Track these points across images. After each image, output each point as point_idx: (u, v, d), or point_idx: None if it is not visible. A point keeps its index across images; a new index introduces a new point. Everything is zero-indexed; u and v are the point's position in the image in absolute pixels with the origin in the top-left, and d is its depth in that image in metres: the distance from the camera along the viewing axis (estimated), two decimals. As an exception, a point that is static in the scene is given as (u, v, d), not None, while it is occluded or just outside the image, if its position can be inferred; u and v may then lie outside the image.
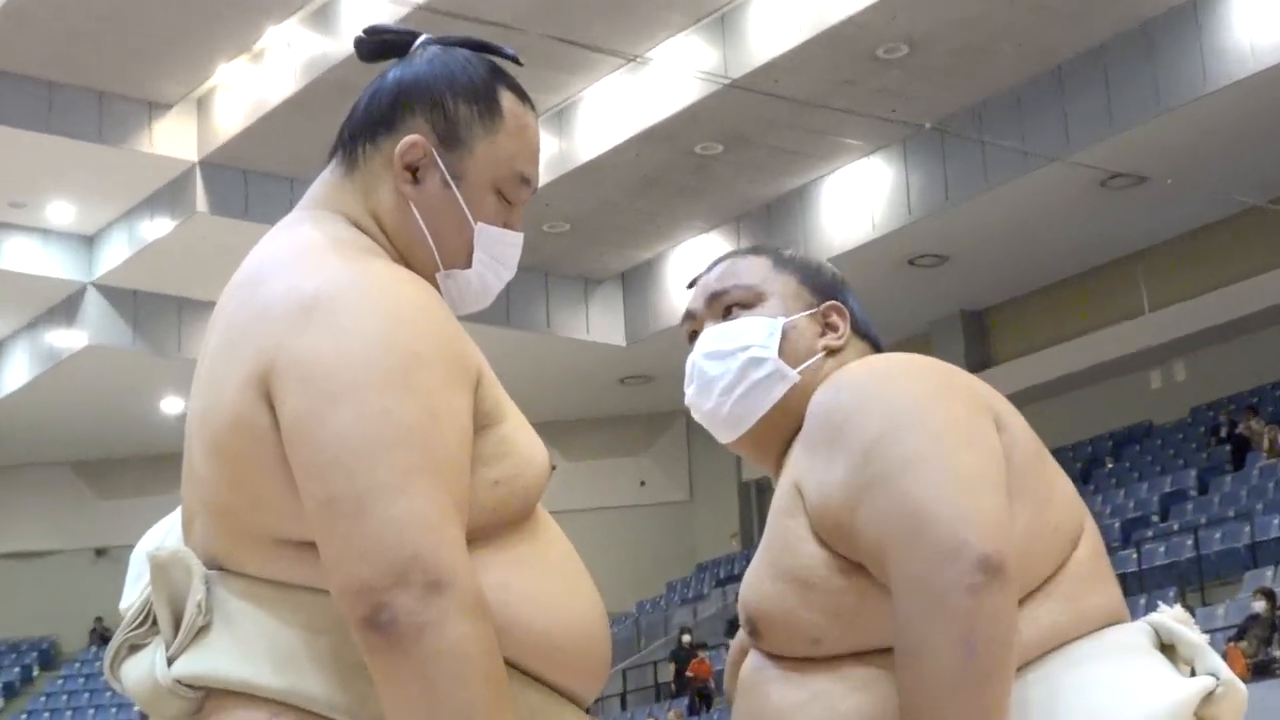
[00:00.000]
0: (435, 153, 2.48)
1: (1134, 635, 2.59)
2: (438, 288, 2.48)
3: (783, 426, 2.76)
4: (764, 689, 2.62)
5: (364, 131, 2.51)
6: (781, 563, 2.59)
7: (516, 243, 2.57)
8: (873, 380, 2.62)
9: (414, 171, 2.48)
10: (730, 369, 2.81)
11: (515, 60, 2.59)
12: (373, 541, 2.13)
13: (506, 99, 2.54)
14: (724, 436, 2.86)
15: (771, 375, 2.79)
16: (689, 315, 2.95)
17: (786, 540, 2.60)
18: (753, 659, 2.68)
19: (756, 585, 2.64)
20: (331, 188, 2.52)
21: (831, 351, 2.81)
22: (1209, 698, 2.52)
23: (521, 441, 2.40)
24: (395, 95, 2.50)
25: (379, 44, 2.59)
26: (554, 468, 2.48)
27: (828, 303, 2.85)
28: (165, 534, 2.47)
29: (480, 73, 2.54)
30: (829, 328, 2.84)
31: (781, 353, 2.79)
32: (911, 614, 2.38)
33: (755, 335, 2.81)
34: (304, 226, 2.46)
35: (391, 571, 2.11)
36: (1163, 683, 2.51)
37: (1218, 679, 2.53)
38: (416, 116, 2.48)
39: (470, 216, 2.50)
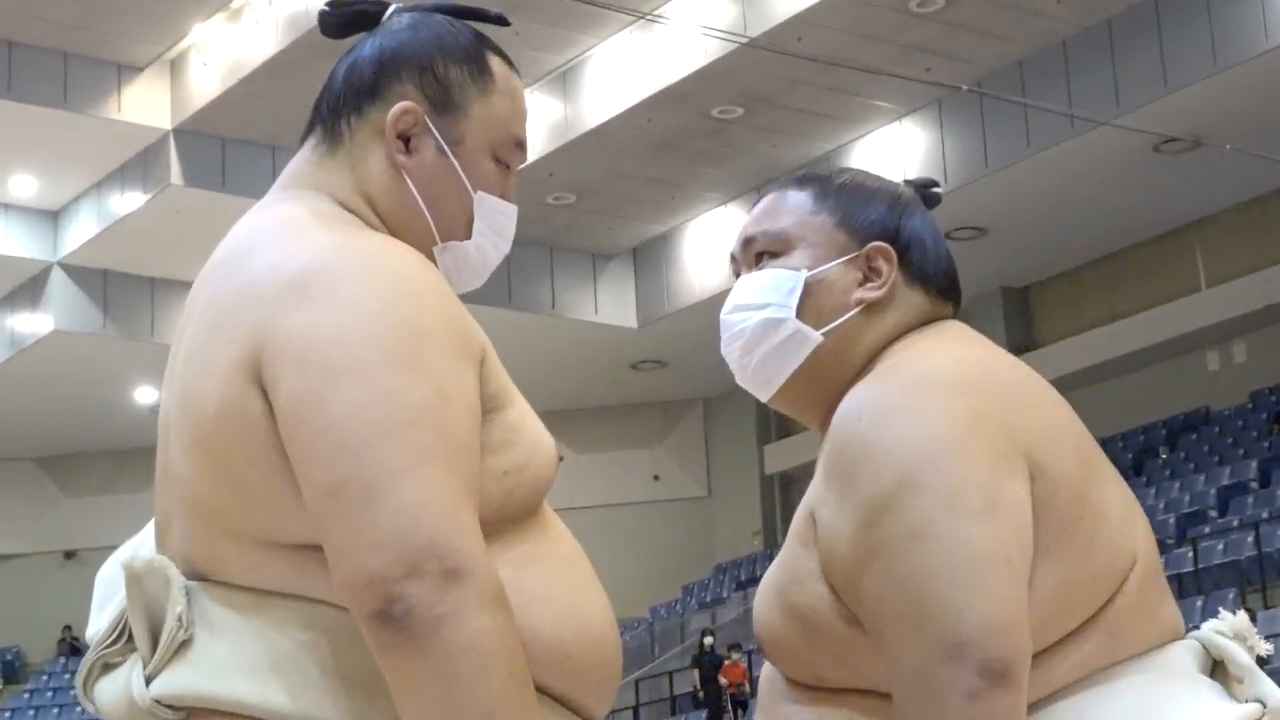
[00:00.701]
0: (428, 119, 2.49)
1: (1179, 655, 2.57)
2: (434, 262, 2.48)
3: (818, 387, 2.72)
4: (777, 709, 2.65)
5: (347, 103, 2.51)
6: (790, 595, 2.60)
7: (513, 214, 2.58)
8: (889, 411, 2.53)
9: (406, 140, 2.49)
10: (750, 326, 2.76)
11: (502, 21, 2.61)
12: (384, 530, 2.12)
13: (494, 61, 2.56)
14: (759, 395, 2.84)
15: (792, 337, 2.73)
16: (732, 258, 2.89)
17: (797, 572, 2.60)
18: (768, 673, 2.70)
19: (766, 610, 2.65)
20: (312, 166, 2.52)
21: (870, 306, 2.72)
22: None
23: (529, 429, 2.40)
24: (379, 63, 2.51)
25: (349, 15, 2.58)
26: (562, 459, 2.47)
27: (871, 244, 2.75)
28: (136, 549, 2.44)
29: (466, 34, 2.56)
30: (873, 273, 2.74)
31: (804, 310, 2.72)
32: (907, 709, 2.38)
33: (775, 291, 2.75)
34: (284, 205, 2.46)
35: (405, 561, 2.10)
36: (1200, 709, 2.50)
37: (1264, 705, 2.52)
38: (405, 83, 2.50)
39: (469, 185, 2.51)
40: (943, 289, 2.79)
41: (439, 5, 2.60)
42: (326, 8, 2.59)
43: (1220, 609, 2.71)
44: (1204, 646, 2.60)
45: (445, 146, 2.49)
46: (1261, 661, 2.63)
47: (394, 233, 2.46)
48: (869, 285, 2.74)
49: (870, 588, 2.44)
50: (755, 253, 2.81)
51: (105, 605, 2.42)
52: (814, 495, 2.60)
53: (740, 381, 2.84)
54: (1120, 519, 2.60)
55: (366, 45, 2.54)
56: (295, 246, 2.34)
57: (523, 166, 2.61)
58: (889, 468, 2.47)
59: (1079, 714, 2.49)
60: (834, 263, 2.74)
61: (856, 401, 2.58)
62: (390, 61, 2.51)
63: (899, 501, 2.44)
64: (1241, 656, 2.57)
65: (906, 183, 2.90)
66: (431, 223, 2.50)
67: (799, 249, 2.77)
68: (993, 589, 2.37)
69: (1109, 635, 2.53)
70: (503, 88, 2.55)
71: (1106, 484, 2.62)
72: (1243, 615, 2.63)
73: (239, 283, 2.33)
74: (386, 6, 2.58)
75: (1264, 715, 2.51)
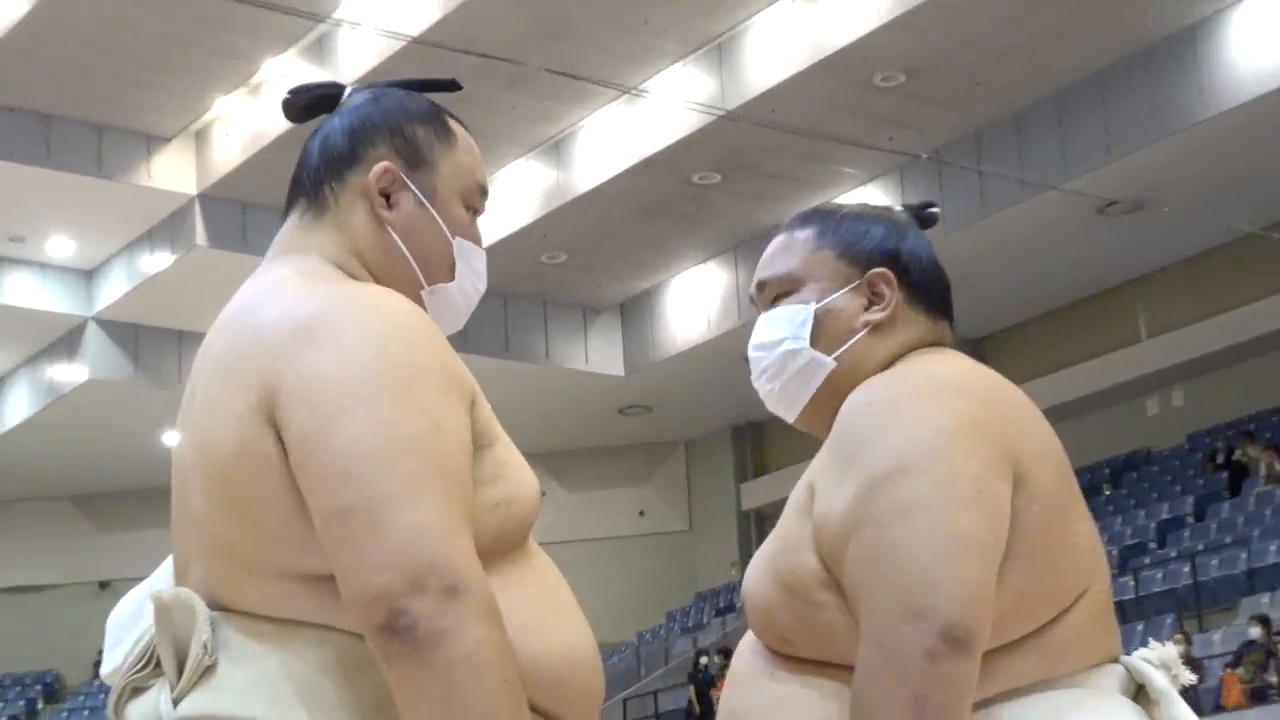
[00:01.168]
0: (404, 176, 2.53)
1: (1104, 679, 2.58)
2: (422, 307, 2.50)
3: (836, 405, 2.72)
4: (744, 682, 2.66)
5: (327, 173, 2.55)
6: (779, 561, 2.62)
7: (484, 257, 2.62)
8: (899, 402, 2.58)
9: (387, 197, 2.52)
10: (771, 360, 2.83)
11: (453, 86, 2.68)
12: (389, 550, 2.14)
13: (451, 121, 2.62)
14: (785, 418, 2.90)
15: (809, 365, 2.79)
16: (751, 299, 2.96)
17: (789, 540, 2.62)
18: (745, 643, 2.72)
19: (754, 575, 2.67)
20: (301, 233, 2.55)
21: (876, 327, 2.77)
22: None
23: (515, 464, 2.42)
24: (351, 133, 2.55)
25: (310, 100, 2.63)
26: (544, 493, 2.49)
27: (872, 271, 2.79)
28: (144, 598, 2.43)
29: (424, 101, 2.62)
30: (876, 297, 2.78)
31: (817, 338, 2.78)
32: (870, 665, 2.40)
33: (788, 326, 2.81)
34: (281, 269, 2.48)
35: (409, 578, 2.12)
36: None
37: None
38: (379, 146, 2.54)
39: (448, 231, 2.55)
40: (940, 307, 2.84)
41: (390, 82, 2.65)
42: (289, 95, 2.63)
43: (1151, 639, 2.72)
44: (1129, 671, 2.61)
45: (423, 199, 2.53)
46: (1184, 691, 2.63)
47: (383, 283, 2.49)
48: (874, 308, 2.79)
49: (855, 552, 2.46)
50: (770, 295, 2.86)
51: (118, 645, 2.43)
52: (815, 471, 2.64)
53: (769, 407, 2.91)
54: (1086, 551, 2.61)
55: (335, 121, 2.59)
56: (298, 299, 2.36)
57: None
58: (891, 450, 2.51)
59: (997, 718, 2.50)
60: (839, 293, 2.80)
61: (868, 392, 2.64)
62: (362, 130, 2.55)
63: (895, 480, 2.47)
64: (1160, 681, 2.58)
65: (904, 207, 2.95)
66: (417, 268, 2.53)
67: (808, 285, 2.82)
68: (968, 568, 2.40)
69: (1044, 657, 2.54)
70: (463, 144, 2.60)
71: (1080, 516, 2.63)
72: (1170, 646, 2.66)
73: (248, 335, 2.36)
74: (343, 89, 2.63)
75: None
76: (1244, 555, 20.90)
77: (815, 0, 21.77)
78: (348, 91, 2.63)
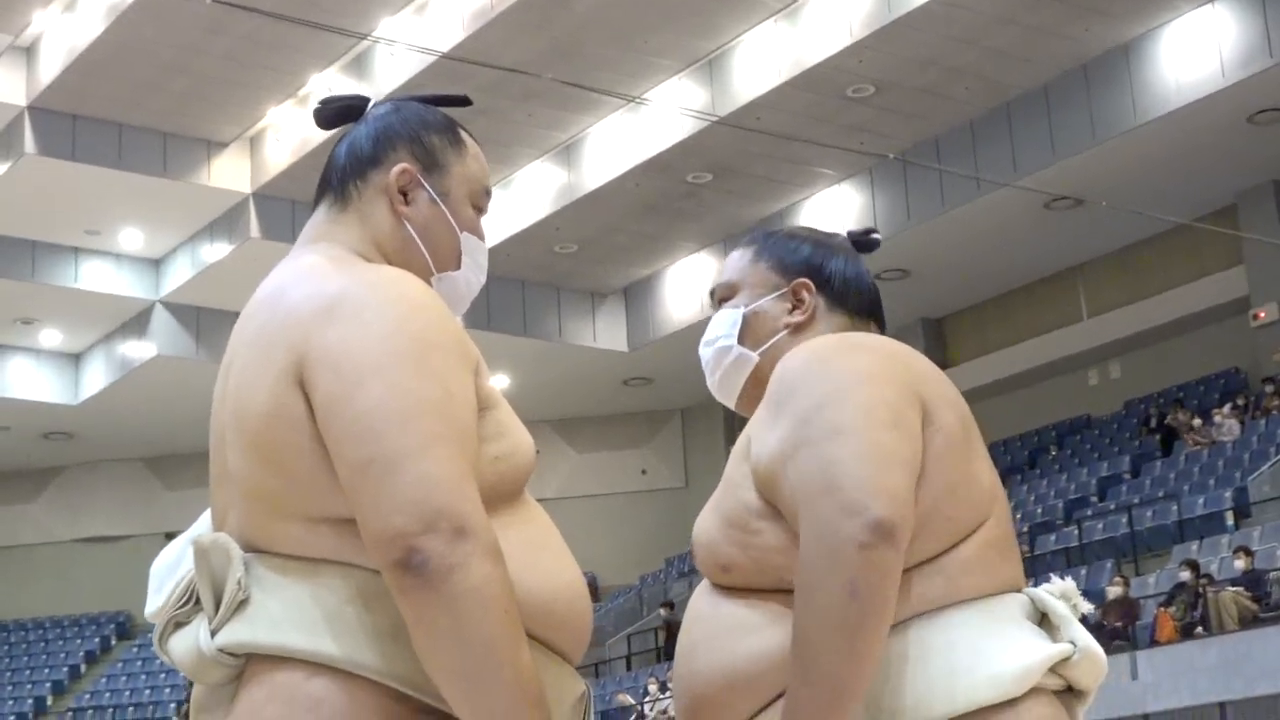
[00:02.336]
0: (420, 177, 2.55)
1: (1008, 605, 2.59)
2: None
3: (761, 390, 2.76)
4: (694, 621, 2.68)
5: (352, 172, 2.57)
6: (723, 503, 2.66)
7: (486, 251, 2.65)
8: (824, 354, 2.63)
9: (405, 194, 2.54)
10: (710, 355, 2.92)
11: (465, 102, 2.70)
12: (405, 496, 2.16)
13: (462, 133, 2.63)
14: (726, 404, 2.96)
15: (738, 359, 2.88)
16: (711, 303, 3.03)
17: (730, 482, 2.66)
18: (696, 591, 2.73)
19: (702, 515, 2.71)
20: (328, 224, 2.56)
21: (797, 327, 2.84)
22: (1066, 662, 2.54)
23: (513, 425, 2.44)
24: (375, 139, 2.57)
25: (339, 109, 2.64)
26: (538, 451, 2.52)
27: (796, 280, 2.87)
28: (184, 546, 2.44)
29: (439, 113, 2.64)
30: (798, 302, 2.86)
31: (745, 337, 2.87)
32: (810, 557, 2.41)
33: (723, 326, 2.90)
34: (309, 255, 2.50)
35: (422, 520, 2.15)
36: (1017, 646, 2.52)
37: (1075, 646, 2.55)
38: (399, 150, 2.56)
39: (456, 226, 2.57)
40: (862, 312, 2.89)
41: (410, 96, 2.67)
42: (319, 105, 2.65)
43: (1054, 577, 2.72)
44: (1032, 601, 2.63)
45: (436, 197, 2.55)
46: (1084, 620, 2.65)
47: (399, 268, 2.50)
48: (795, 312, 2.86)
49: (795, 470, 2.50)
50: (718, 299, 2.96)
51: (160, 590, 2.43)
52: (752, 424, 2.68)
53: (715, 397, 2.98)
54: (986, 488, 2.63)
55: (360, 129, 2.61)
56: (324, 280, 2.38)
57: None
58: (820, 388, 2.56)
59: (918, 642, 2.50)
60: (767, 298, 2.88)
61: (794, 351, 2.70)
62: (384, 136, 2.57)
63: (825, 409, 2.52)
64: (1060, 608, 2.61)
65: (849, 233, 3.01)
66: (428, 257, 2.55)
67: (743, 291, 2.92)
68: (893, 476, 2.45)
69: (949, 580, 2.54)
70: (473, 152, 2.62)
71: (981, 458, 2.67)
72: (1070, 581, 2.68)
73: (280, 312, 2.38)
74: (368, 100, 2.65)
75: (1074, 653, 2.55)
76: (1175, 508, 20.89)
77: (795, 22, 21.77)
78: (371, 103, 2.65)
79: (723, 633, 2.60)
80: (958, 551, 2.56)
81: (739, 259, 2.95)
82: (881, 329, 2.89)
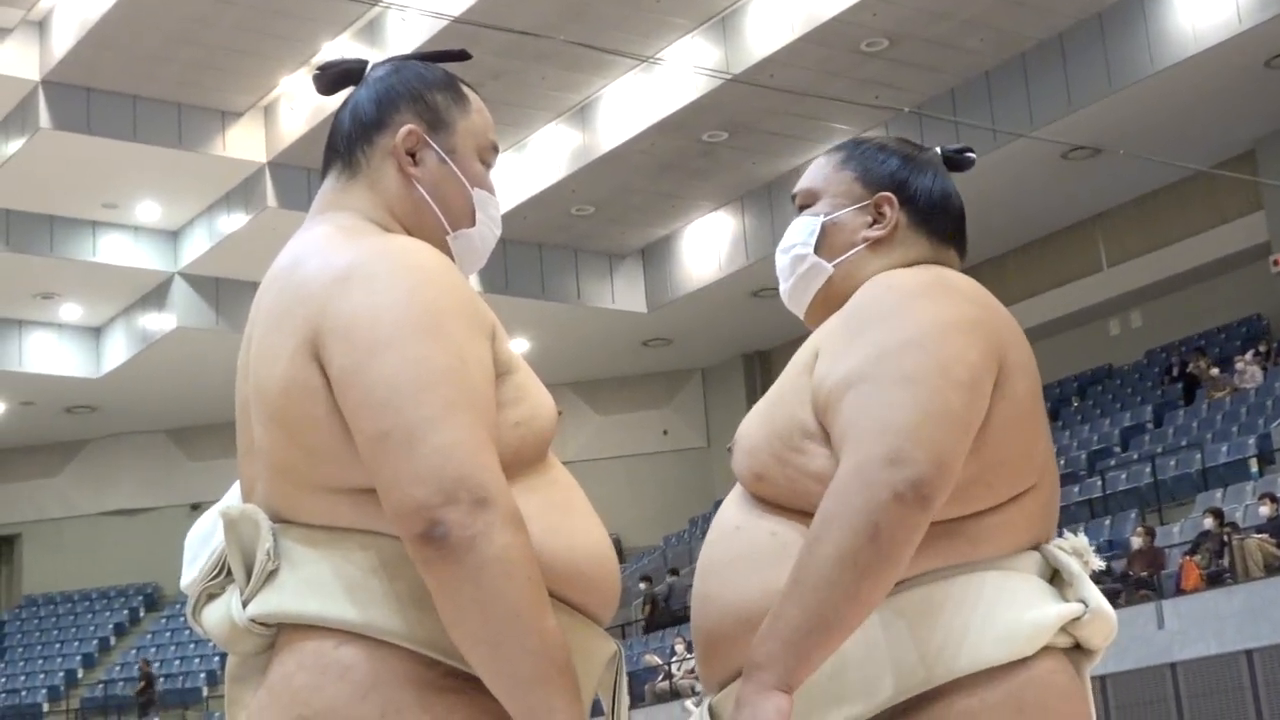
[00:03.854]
0: (427, 137, 2.53)
1: (1022, 563, 2.57)
2: (448, 253, 2.52)
3: (834, 306, 2.73)
4: (718, 539, 2.65)
5: (358, 137, 2.55)
6: (774, 411, 2.63)
7: (498, 204, 2.63)
8: (915, 291, 2.59)
9: (413, 156, 2.53)
10: (785, 263, 2.85)
11: (464, 56, 2.66)
12: (424, 467, 2.16)
13: (464, 88, 2.61)
14: (796, 313, 2.90)
15: (811, 269, 2.80)
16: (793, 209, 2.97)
17: (785, 393, 2.63)
18: (726, 502, 2.70)
19: (751, 415, 2.69)
20: (337, 193, 2.55)
21: (876, 243, 2.77)
22: (1077, 621, 2.53)
23: (533, 389, 2.42)
24: (377, 102, 2.56)
25: (338, 74, 2.63)
26: (560, 413, 2.50)
27: (879, 194, 2.78)
28: (216, 518, 2.45)
29: (439, 70, 2.62)
30: (879, 216, 2.78)
31: (822, 247, 2.79)
32: (842, 488, 2.38)
33: (800, 234, 2.82)
34: (321, 225, 2.49)
35: (442, 491, 2.14)
36: (1029, 606, 2.51)
37: (1086, 606, 2.53)
38: (403, 112, 2.54)
39: (467, 182, 2.55)
40: (945, 235, 2.83)
41: (407, 55, 2.65)
42: (318, 71, 2.63)
43: (1066, 532, 2.71)
44: (1044, 557, 2.60)
45: (444, 156, 2.54)
46: (1095, 576, 2.62)
47: (411, 232, 2.50)
48: (875, 226, 2.78)
49: (854, 400, 2.46)
50: (798, 205, 2.87)
51: (194, 561, 2.45)
52: (823, 334, 2.64)
53: (786, 303, 2.91)
54: (1037, 460, 2.60)
55: (361, 92, 2.59)
56: (337, 252, 2.38)
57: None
58: (903, 327, 2.51)
59: (928, 600, 2.48)
60: (847, 209, 2.80)
61: (889, 277, 2.66)
62: (387, 98, 2.55)
63: (904, 351, 2.48)
64: (1073, 566, 2.58)
65: (941, 150, 2.94)
66: (441, 217, 2.54)
67: (823, 199, 2.83)
68: (950, 439, 2.41)
69: (970, 541, 2.53)
70: (476, 106, 2.60)
71: (1042, 427, 2.64)
72: (1082, 536, 2.65)
73: (294, 286, 2.38)
74: (366, 64, 2.63)
75: (1085, 613, 2.53)
76: (1198, 456, 20.88)
77: (807, -24, 21.69)
78: (370, 66, 2.63)
79: (740, 559, 2.57)
80: (986, 517, 2.54)
81: (824, 165, 2.87)
82: (962, 255, 2.85)
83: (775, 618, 2.37)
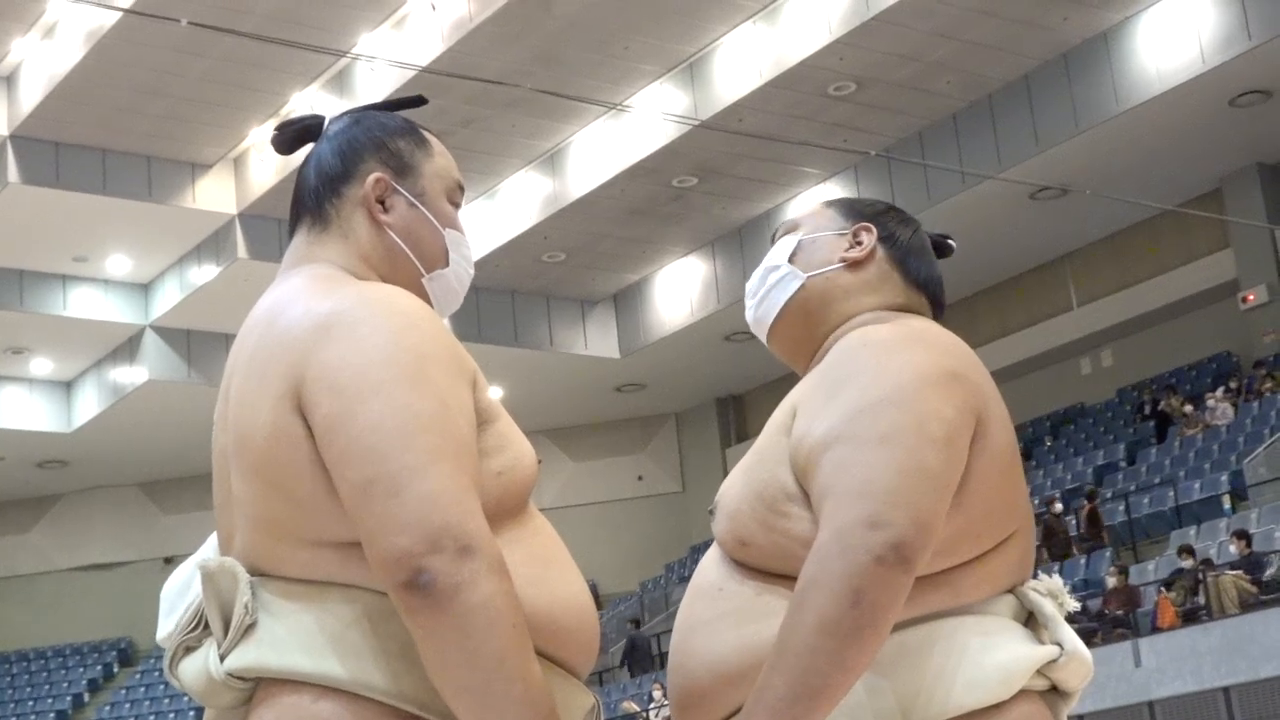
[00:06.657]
0: (394, 183, 2.54)
1: (997, 606, 2.56)
2: (424, 297, 2.52)
3: (804, 328, 2.74)
4: (699, 596, 2.63)
5: (326, 191, 2.54)
6: (754, 472, 2.60)
7: (469, 243, 2.63)
8: (890, 344, 2.57)
9: (382, 203, 2.53)
10: (755, 280, 2.85)
11: (419, 102, 2.68)
12: (409, 515, 2.14)
13: (424, 132, 2.62)
14: (759, 336, 2.89)
15: (784, 278, 2.79)
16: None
17: (765, 455, 2.61)
18: (706, 559, 2.69)
19: (731, 479, 2.67)
20: (310, 246, 2.54)
21: (853, 264, 2.77)
22: (1053, 664, 2.52)
23: (515, 437, 2.41)
24: (341, 155, 2.55)
25: (296, 132, 2.63)
26: (540, 462, 2.49)
27: (859, 223, 2.80)
28: (193, 570, 2.44)
29: (398, 118, 2.63)
30: (857, 244, 2.78)
31: (796, 260, 2.80)
32: (823, 553, 2.36)
33: (778, 253, 2.83)
34: (297, 278, 2.48)
35: (427, 539, 2.13)
36: (1004, 650, 2.50)
37: (1062, 648, 2.53)
38: (368, 161, 2.54)
39: (438, 224, 2.56)
40: (919, 280, 2.80)
41: (365, 106, 2.66)
42: (275, 131, 2.64)
43: (1041, 574, 2.70)
44: (1019, 600, 2.60)
45: (414, 200, 2.54)
46: (1070, 615, 2.62)
47: (387, 279, 2.49)
48: (854, 249, 2.78)
49: (831, 462, 2.44)
50: (779, 237, 2.88)
51: (171, 612, 2.44)
52: (800, 393, 2.62)
53: (753, 330, 2.89)
54: (1018, 507, 2.60)
55: (323, 146, 2.58)
56: (317, 301, 2.36)
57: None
58: (880, 384, 2.49)
59: (904, 647, 2.46)
60: (827, 232, 2.81)
61: (863, 334, 2.64)
62: (350, 149, 2.55)
63: (880, 409, 2.46)
64: (1047, 608, 2.57)
65: (928, 234, 2.93)
66: (416, 260, 2.53)
67: (803, 226, 2.84)
68: (928, 498, 2.39)
69: (953, 591, 2.52)
70: (438, 149, 2.61)
71: (1019, 476, 2.63)
72: (1056, 577, 2.64)
73: (274, 335, 2.36)
74: (323, 119, 2.63)
75: (1060, 656, 2.53)
76: (1171, 494, 20.92)
77: (774, 22, 21.78)
78: (328, 120, 2.63)
79: (722, 618, 2.56)
80: (969, 567, 2.53)
81: (811, 205, 2.89)
82: (939, 312, 2.82)
83: (761, 688, 2.36)
